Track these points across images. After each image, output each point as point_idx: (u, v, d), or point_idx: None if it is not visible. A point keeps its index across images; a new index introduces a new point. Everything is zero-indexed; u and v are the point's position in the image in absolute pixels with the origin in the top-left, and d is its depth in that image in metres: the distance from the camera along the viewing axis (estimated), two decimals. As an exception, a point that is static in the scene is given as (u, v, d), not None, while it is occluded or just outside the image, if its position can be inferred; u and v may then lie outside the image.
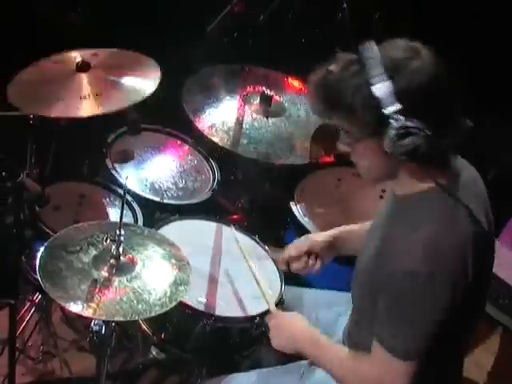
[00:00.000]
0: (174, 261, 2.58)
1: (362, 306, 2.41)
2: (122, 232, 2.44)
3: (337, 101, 2.09)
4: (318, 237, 2.77)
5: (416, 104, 2.03)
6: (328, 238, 2.76)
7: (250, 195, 3.83)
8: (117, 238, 2.43)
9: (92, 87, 3.04)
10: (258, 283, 2.72)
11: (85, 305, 2.35)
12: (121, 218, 2.44)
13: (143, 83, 3.09)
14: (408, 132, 2.03)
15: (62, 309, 3.42)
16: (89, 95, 2.99)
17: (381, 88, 2.02)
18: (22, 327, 3.32)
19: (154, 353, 2.96)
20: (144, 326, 2.80)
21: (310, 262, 2.75)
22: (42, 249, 2.48)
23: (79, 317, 3.43)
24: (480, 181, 2.32)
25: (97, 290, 2.39)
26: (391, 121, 2.02)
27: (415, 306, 2.11)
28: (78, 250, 2.49)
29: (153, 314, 2.40)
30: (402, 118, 2.02)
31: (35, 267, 2.76)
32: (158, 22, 4.71)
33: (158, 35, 4.45)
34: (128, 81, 3.09)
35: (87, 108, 2.95)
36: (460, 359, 2.43)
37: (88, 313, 2.35)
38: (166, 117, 3.53)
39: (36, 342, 3.38)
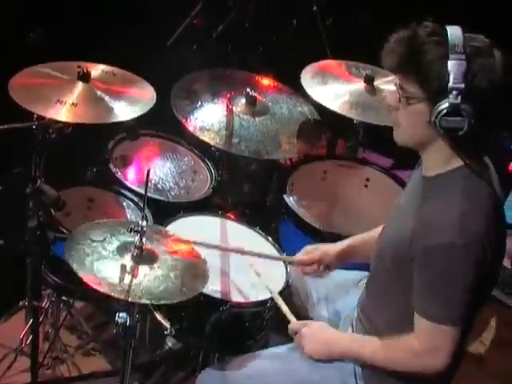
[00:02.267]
0: (191, 257, 2.74)
1: (385, 281, 2.54)
2: (145, 223, 2.59)
3: (414, 59, 2.24)
4: (329, 249, 2.92)
5: (477, 93, 2.20)
6: (338, 251, 2.90)
7: (242, 192, 4.00)
8: (140, 228, 2.57)
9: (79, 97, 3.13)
10: (267, 288, 2.87)
11: (118, 288, 2.49)
12: (143, 208, 2.59)
13: (131, 108, 3.20)
14: (458, 112, 2.20)
15: (70, 312, 3.52)
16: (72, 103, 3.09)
17: (455, 65, 2.18)
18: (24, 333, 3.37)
19: (169, 344, 3.10)
20: (160, 318, 2.90)
21: (320, 269, 2.92)
22: (68, 237, 2.62)
23: (89, 318, 3.63)
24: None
25: (125, 273, 2.53)
26: (450, 96, 2.19)
27: (455, 276, 2.26)
28: (102, 240, 2.63)
29: (175, 301, 2.55)
30: (459, 98, 2.19)
31: (53, 269, 2.94)
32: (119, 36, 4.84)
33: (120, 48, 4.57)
34: (119, 104, 3.18)
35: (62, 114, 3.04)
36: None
37: (121, 295, 2.48)
38: (160, 122, 3.66)
39: (43, 349, 3.43)
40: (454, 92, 2.19)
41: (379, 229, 2.75)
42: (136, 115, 3.15)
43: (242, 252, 2.99)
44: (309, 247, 2.97)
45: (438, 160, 2.37)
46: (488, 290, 2.45)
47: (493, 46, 2.26)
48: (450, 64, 2.19)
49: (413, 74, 2.27)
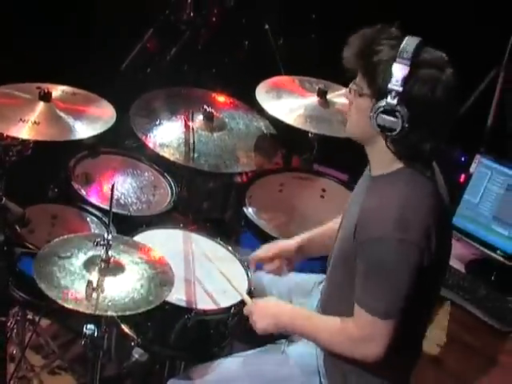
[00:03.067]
0: (157, 265, 2.81)
1: (336, 277, 2.65)
2: (110, 237, 2.65)
3: (366, 55, 2.37)
4: (288, 244, 3.02)
5: (414, 99, 2.33)
6: (296, 244, 3.00)
7: (202, 208, 4.08)
8: (106, 242, 2.64)
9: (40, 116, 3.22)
10: (228, 280, 2.96)
11: (84, 303, 2.55)
12: (108, 223, 2.65)
13: (92, 125, 3.29)
14: (392, 112, 2.34)
15: (36, 331, 3.55)
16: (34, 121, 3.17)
17: (399, 68, 2.31)
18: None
19: (136, 355, 3.15)
20: (126, 329, 2.97)
21: (280, 265, 3.02)
22: (37, 254, 2.68)
23: (55, 337, 3.66)
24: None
25: (91, 289, 2.59)
26: (388, 96, 2.33)
27: (389, 269, 2.36)
28: (69, 255, 2.69)
29: (142, 310, 2.61)
30: (396, 99, 2.32)
31: (20, 284, 2.98)
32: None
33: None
34: (79, 123, 3.28)
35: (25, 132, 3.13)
36: (424, 326, 2.71)
37: (88, 309, 2.54)
38: (120, 139, 3.73)
39: (9, 369, 3.37)
40: (393, 93, 2.32)
41: (337, 220, 2.85)
42: (96, 133, 3.23)
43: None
44: (267, 244, 3.08)
45: (382, 160, 2.49)
46: (431, 288, 2.53)
47: (447, 63, 2.39)
48: (395, 67, 2.32)
49: (363, 70, 2.41)
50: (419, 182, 2.45)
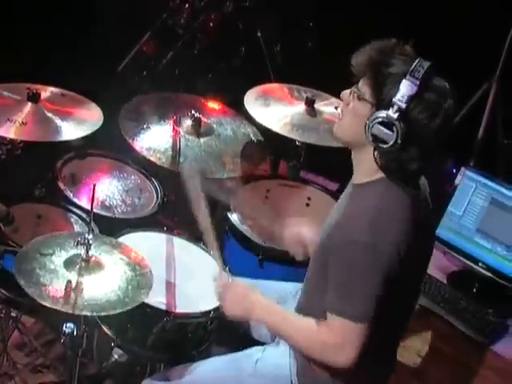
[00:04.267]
0: (137, 267, 2.86)
1: (312, 282, 2.68)
2: (91, 236, 2.69)
3: (378, 65, 2.40)
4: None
5: (413, 120, 2.37)
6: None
7: (188, 212, 4.09)
8: (86, 241, 2.68)
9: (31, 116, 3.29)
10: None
11: (61, 301, 2.59)
12: (90, 222, 2.69)
13: (78, 127, 3.36)
14: (388, 126, 2.37)
15: (19, 329, 3.58)
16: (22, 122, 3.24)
17: (407, 86, 2.35)
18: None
19: (116, 356, 3.18)
20: (106, 329, 3.01)
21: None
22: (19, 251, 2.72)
23: (38, 335, 3.69)
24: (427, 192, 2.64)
25: (70, 288, 2.63)
26: (389, 108, 2.36)
27: (359, 273, 2.40)
28: (50, 253, 2.73)
29: (118, 311, 2.67)
30: (396, 115, 2.35)
31: (2, 282, 3.01)
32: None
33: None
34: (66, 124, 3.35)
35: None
36: (398, 336, 2.74)
37: (65, 308, 2.60)
38: (107, 142, 3.77)
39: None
40: (395, 107, 2.36)
41: None
42: (83, 134, 3.27)
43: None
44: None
45: (366, 168, 2.52)
46: (403, 296, 2.54)
47: (450, 93, 2.42)
48: (404, 83, 2.35)
49: (371, 77, 2.43)
50: (397, 194, 2.48)
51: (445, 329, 3.47)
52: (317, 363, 2.59)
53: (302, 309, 2.73)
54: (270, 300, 2.73)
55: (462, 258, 3.65)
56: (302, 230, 3.04)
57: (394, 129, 2.36)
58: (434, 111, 2.37)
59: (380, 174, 2.49)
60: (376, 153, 2.45)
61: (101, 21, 5.09)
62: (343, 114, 2.55)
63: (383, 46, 2.44)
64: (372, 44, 2.45)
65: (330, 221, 2.60)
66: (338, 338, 2.47)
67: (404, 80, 2.35)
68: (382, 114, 2.38)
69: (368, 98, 2.44)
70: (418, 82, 2.35)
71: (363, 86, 2.46)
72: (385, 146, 2.39)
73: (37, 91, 3.29)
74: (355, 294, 2.42)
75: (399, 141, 2.37)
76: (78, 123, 3.33)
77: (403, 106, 2.35)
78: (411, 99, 2.35)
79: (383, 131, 2.38)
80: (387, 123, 2.37)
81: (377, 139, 2.40)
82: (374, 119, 2.39)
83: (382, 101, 2.40)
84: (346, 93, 2.54)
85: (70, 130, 3.29)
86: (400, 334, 2.77)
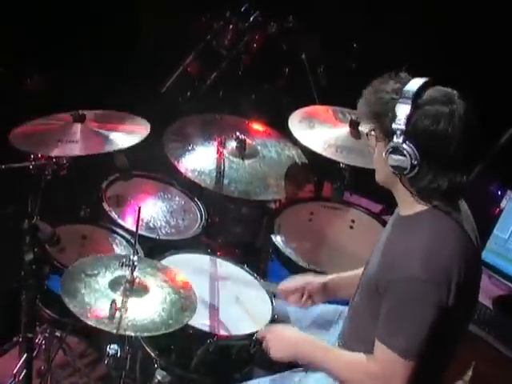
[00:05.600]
0: (181, 290, 2.86)
1: (360, 312, 2.66)
2: (136, 258, 2.71)
3: (373, 104, 2.46)
4: (314, 279, 3.04)
5: (420, 135, 2.38)
6: (322, 281, 3.02)
7: (233, 233, 4.12)
8: (131, 262, 2.70)
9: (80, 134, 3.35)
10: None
11: (106, 321, 2.61)
12: (134, 244, 2.71)
13: (127, 137, 3.41)
14: (399, 151, 2.39)
15: (63, 349, 3.61)
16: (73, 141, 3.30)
17: (401, 108, 2.38)
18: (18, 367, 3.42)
19: (159, 377, 3.18)
20: (149, 351, 3.01)
21: (303, 298, 3.02)
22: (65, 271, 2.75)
23: (82, 355, 3.71)
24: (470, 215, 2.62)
25: (115, 308, 2.64)
26: (394, 136, 2.38)
27: (415, 308, 2.38)
28: (95, 273, 2.76)
29: (161, 333, 2.66)
30: (401, 138, 2.37)
31: (48, 302, 3.03)
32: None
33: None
34: (114, 134, 3.41)
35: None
36: (445, 369, 2.66)
37: (109, 328, 2.60)
38: (152, 163, 3.80)
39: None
40: (398, 132, 2.38)
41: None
42: (132, 143, 3.34)
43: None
44: (295, 276, 3.10)
45: (406, 202, 2.53)
46: (456, 330, 2.53)
47: (455, 97, 2.42)
48: (397, 107, 2.39)
49: (373, 117, 2.49)
50: (443, 223, 2.47)
51: (491, 354, 3.42)
52: None
53: (347, 340, 2.73)
54: (311, 336, 2.76)
55: (508, 283, 3.60)
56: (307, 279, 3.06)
57: (405, 152, 2.39)
58: (435, 118, 2.37)
59: (421, 206, 2.49)
60: (405, 183, 2.47)
61: (146, 42, 5.13)
62: (374, 160, 2.58)
63: (375, 85, 2.48)
64: (367, 88, 2.50)
65: (380, 253, 2.58)
66: (387, 370, 2.45)
67: (397, 104, 2.39)
68: (391, 143, 2.41)
69: (380, 136, 2.49)
70: (409, 101, 2.37)
71: (375, 128, 2.51)
72: (406, 172, 2.41)
73: (82, 113, 3.33)
74: (408, 329, 2.40)
75: (415, 162, 2.39)
76: (126, 134, 3.40)
77: (403, 127, 2.38)
78: (409, 118, 2.37)
79: (397, 159, 2.41)
80: (397, 149, 2.40)
81: (397, 169, 2.43)
82: (387, 151, 2.43)
83: (387, 132, 2.43)
84: (370, 142, 2.57)
85: (119, 140, 3.36)
86: (447, 366, 2.71)
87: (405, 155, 2.39)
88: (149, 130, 3.45)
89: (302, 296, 3.03)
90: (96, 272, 2.77)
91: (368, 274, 2.63)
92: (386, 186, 2.58)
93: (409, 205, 2.52)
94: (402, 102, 2.38)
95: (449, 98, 2.41)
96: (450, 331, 2.47)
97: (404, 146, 2.38)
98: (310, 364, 2.73)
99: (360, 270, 2.90)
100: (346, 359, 2.62)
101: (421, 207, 2.49)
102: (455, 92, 2.44)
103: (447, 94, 2.42)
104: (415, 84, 2.41)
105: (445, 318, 2.39)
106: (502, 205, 3.63)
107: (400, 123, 2.38)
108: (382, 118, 2.44)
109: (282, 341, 2.73)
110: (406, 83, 2.42)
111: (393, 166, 2.43)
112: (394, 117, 2.39)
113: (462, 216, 2.53)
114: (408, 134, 2.38)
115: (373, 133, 2.52)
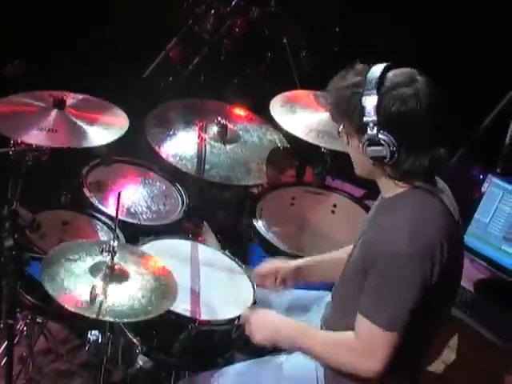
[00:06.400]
0: (161, 277, 2.85)
1: (347, 295, 2.65)
2: (116, 244, 2.70)
3: (340, 103, 2.49)
4: (287, 263, 3.06)
5: (392, 122, 2.40)
6: (295, 265, 3.04)
7: (215, 218, 4.11)
8: (111, 248, 2.69)
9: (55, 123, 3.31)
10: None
11: (85, 306, 2.61)
12: (114, 230, 2.70)
13: (105, 132, 3.37)
14: (376, 142, 2.41)
15: (45, 335, 3.60)
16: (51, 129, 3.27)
17: (367, 100, 2.40)
18: None
19: (140, 363, 3.18)
20: (131, 336, 3.00)
21: (277, 281, 3.05)
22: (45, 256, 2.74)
23: (64, 341, 3.71)
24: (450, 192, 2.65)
25: (94, 293, 2.64)
26: (368, 128, 2.40)
27: (400, 282, 2.40)
28: (76, 258, 2.76)
29: (141, 319, 2.67)
30: (375, 129, 2.39)
31: (28, 289, 3.02)
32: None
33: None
34: (93, 129, 3.37)
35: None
36: (427, 347, 2.71)
37: (88, 313, 2.61)
38: (133, 149, 3.78)
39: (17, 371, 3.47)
40: (371, 124, 2.41)
41: (342, 250, 2.92)
42: (110, 140, 3.29)
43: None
44: (269, 260, 3.13)
45: (389, 186, 2.56)
46: (440, 306, 2.55)
47: (416, 74, 2.45)
48: (364, 100, 2.41)
49: (341, 114, 2.52)
50: (426, 201, 2.50)
51: (471, 337, 3.44)
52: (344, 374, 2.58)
53: (332, 323, 2.74)
54: (293, 319, 2.77)
55: (488, 266, 3.62)
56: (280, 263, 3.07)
57: (382, 141, 2.41)
58: (402, 100, 2.40)
59: (404, 186, 2.52)
60: (387, 170, 2.49)
61: (127, 26, 5.10)
62: (351, 155, 2.61)
63: (335, 83, 2.51)
64: (328, 87, 2.53)
65: (365, 233, 2.61)
66: (367, 342, 2.47)
67: (362, 97, 2.41)
68: (365, 136, 2.43)
69: (351, 131, 2.51)
70: (374, 91, 2.40)
71: (346, 125, 2.53)
72: (387, 160, 2.43)
73: (62, 98, 3.30)
74: (390, 302, 2.42)
75: (393, 148, 2.41)
76: (104, 129, 3.35)
77: (375, 118, 2.40)
78: (377, 108, 2.39)
79: (376, 149, 2.44)
80: (373, 141, 2.42)
81: (378, 159, 2.45)
82: (364, 145, 2.45)
83: (359, 126, 2.45)
84: (343, 138, 2.60)
85: (97, 136, 3.31)
86: (428, 348, 2.74)
87: (382, 144, 2.41)
88: (127, 126, 3.41)
89: (275, 279, 3.04)
90: (76, 257, 2.76)
91: (354, 258, 2.65)
92: (367, 177, 2.61)
93: (391, 188, 2.55)
94: (366, 93, 2.41)
95: (410, 79, 2.43)
96: (432, 309, 2.48)
97: (380, 136, 2.41)
98: (292, 347, 2.75)
99: (336, 253, 2.95)
100: (324, 338, 2.64)
101: (403, 188, 2.52)
102: (414, 70, 2.47)
103: (408, 75, 2.45)
104: (375, 73, 2.43)
105: (428, 295, 2.41)
106: (483, 189, 3.63)
107: (370, 115, 2.40)
108: (350, 114, 2.46)
109: (264, 325, 2.73)
110: (365, 74, 2.44)
111: (372, 158, 2.46)
112: (362, 110, 2.41)
113: (443, 194, 2.56)
114: (380, 124, 2.40)
115: (344, 130, 2.54)
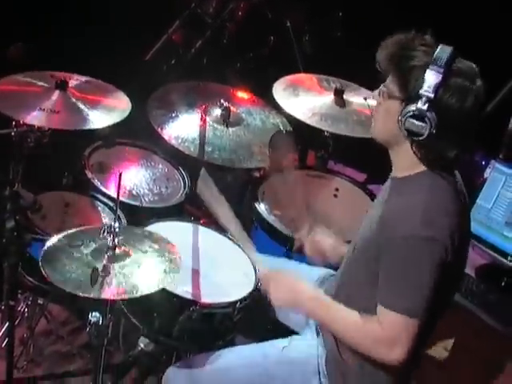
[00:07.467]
0: (166, 254, 2.84)
1: (356, 277, 2.63)
2: (117, 225, 2.69)
3: (400, 60, 2.42)
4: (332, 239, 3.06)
5: (445, 106, 2.37)
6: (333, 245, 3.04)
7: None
8: (113, 229, 2.68)
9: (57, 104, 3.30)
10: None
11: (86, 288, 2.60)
12: (116, 210, 2.69)
13: (107, 115, 3.38)
14: (422, 117, 2.37)
15: (46, 316, 3.60)
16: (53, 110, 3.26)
17: (432, 75, 2.35)
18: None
19: (142, 345, 3.18)
20: (132, 318, 3.01)
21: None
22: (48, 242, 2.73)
23: (65, 323, 3.71)
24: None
25: (96, 275, 2.63)
26: (419, 101, 2.36)
27: (415, 267, 2.39)
28: (79, 244, 2.74)
29: (143, 294, 2.65)
30: (427, 105, 2.35)
31: (30, 270, 3.01)
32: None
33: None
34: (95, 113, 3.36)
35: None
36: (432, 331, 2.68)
37: (93, 295, 2.60)
38: (136, 131, 3.77)
39: (18, 352, 3.50)
40: (424, 99, 2.36)
41: None
42: (112, 123, 3.29)
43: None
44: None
45: (406, 163, 2.52)
46: (448, 290, 2.54)
47: (477, 74, 2.43)
48: (428, 73, 2.36)
49: (396, 73, 2.45)
50: (442, 186, 2.48)
51: (473, 322, 3.44)
52: (348, 354, 2.59)
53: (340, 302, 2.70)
54: (316, 289, 2.74)
55: (490, 252, 3.61)
56: (322, 240, 3.06)
57: (427, 120, 2.37)
58: (463, 94, 2.38)
59: (421, 167, 2.50)
60: (414, 146, 2.46)
61: (130, 9, 5.08)
62: (376, 115, 2.56)
63: (402, 40, 2.45)
64: (391, 39, 2.46)
65: (374, 215, 2.58)
66: (391, 332, 2.44)
67: (428, 70, 2.36)
68: (412, 107, 2.39)
69: (397, 94, 2.45)
70: (442, 70, 2.35)
71: (390, 84, 2.47)
72: (421, 138, 2.40)
73: (64, 79, 3.29)
74: (410, 288, 2.40)
75: (434, 130, 2.38)
76: (107, 111, 3.34)
77: (431, 95, 2.36)
78: (438, 87, 2.36)
79: (417, 124, 2.39)
80: (419, 115, 2.38)
81: (412, 133, 2.41)
82: (406, 114, 2.40)
83: (410, 95, 2.41)
84: (375, 93, 2.55)
85: (99, 119, 3.30)
86: (433, 330, 2.72)
87: (426, 122, 2.37)
88: (129, 109, 3.41)
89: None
90: (79, 243, 2.75)
91: (364, 238, 2.61)
92: (383, 143, 2.57)
93: (409, 166, 2.52)
94: (433, 68, 2.36)
95: (474, 74, 2.42)
96: (445, 291, 2.48)
97: (428, 113, 2.37)
98: (308, 315, 2.75)
99: None
100: (345, 316, 2.58)
101: (420, 168, 2.50)
102: (475, 66, 2.45)
103: (472, 69, 2.43)
104: (445, 52, 2.38)
105: (443, 276, 2.40)
106: (486, 174, 3.62)
107: (429, 90, 2.36)
108: (408, 78, 2.41)
109: (285, 285, 2.70)
110: (433, 47, 2.40)
111: (408, 130, 2.41)
112: (421, 81, 2.37)
113: (457, 181, 2.55)
114: (433, 103, 2.36)
115: (386, 89, 2.49)
